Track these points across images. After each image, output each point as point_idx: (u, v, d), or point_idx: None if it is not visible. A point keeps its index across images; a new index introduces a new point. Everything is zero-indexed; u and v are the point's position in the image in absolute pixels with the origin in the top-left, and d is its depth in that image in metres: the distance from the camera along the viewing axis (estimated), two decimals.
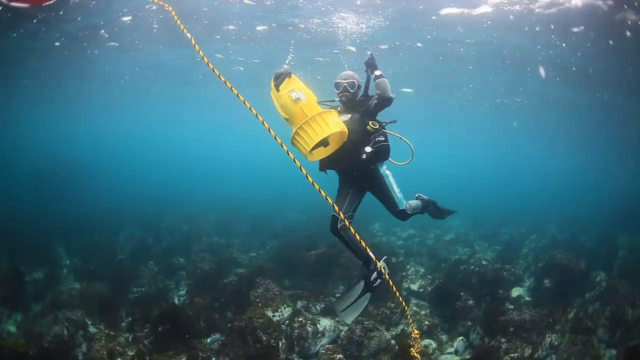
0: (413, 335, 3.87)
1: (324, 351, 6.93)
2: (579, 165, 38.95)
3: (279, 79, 3.48)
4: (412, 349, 3.86)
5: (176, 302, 9.11)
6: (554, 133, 26.31)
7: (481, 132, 29.71)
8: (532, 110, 20.05)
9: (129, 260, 11.33)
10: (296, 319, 7.42)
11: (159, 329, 7.18)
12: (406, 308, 3.85)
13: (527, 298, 9.89)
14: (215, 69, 2.92)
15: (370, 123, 3.94)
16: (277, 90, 3.47)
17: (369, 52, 4.32)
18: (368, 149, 3.90)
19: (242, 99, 2.94)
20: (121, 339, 7.21)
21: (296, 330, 7.24)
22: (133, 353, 6.72)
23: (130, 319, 8.08)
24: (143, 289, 9.75)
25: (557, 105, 18.41)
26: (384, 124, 4.14)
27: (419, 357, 3.80)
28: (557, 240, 14.12)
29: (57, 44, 12.42)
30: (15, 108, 24.18)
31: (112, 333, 7.43)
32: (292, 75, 3.55)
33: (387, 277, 3.81)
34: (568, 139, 27.83)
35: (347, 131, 3.61)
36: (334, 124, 3.40)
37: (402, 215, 4.25)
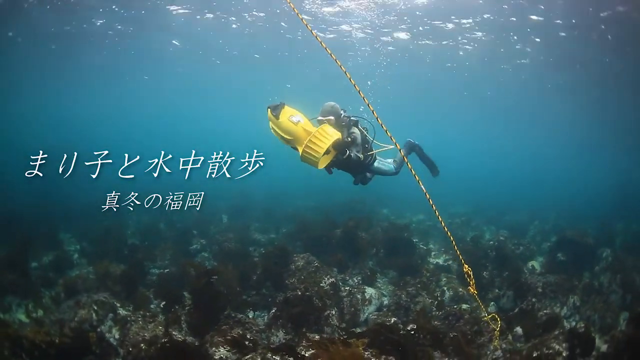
0: (465, 270, 3.73)
1: (374, 317, 6.97)
2: (572, 157, 40.25)
3: (277, 110, 3.98)
4: (470, 287, 3.75)
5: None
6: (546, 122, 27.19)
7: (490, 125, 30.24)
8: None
9: (143, 244, 10.92)
10: (343, 288, 7.42)
11: (197, 298, 6.64)
12: (449, 233, 3.73)
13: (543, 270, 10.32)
14: (326, 48, 3.21)
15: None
16: (277, 119, 3.97)
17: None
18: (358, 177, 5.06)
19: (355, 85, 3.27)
20: (159, 319, 6.68)
21: (345, 299, 7.26)
22: (177, 333, 6.11)
23: (159, 300, 7.71)
24: (166, 270, 9.36)
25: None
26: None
27: (476, 292, 3.77)
28: (560, 226, 14.77)
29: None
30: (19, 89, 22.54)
31: (147, 313, 6.75)
32: (285, 104, 4.08)
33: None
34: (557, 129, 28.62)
35: (342, 138, 4.28)
36: (333, 133, 4.09)
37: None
